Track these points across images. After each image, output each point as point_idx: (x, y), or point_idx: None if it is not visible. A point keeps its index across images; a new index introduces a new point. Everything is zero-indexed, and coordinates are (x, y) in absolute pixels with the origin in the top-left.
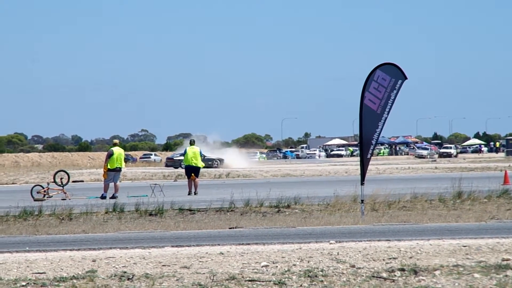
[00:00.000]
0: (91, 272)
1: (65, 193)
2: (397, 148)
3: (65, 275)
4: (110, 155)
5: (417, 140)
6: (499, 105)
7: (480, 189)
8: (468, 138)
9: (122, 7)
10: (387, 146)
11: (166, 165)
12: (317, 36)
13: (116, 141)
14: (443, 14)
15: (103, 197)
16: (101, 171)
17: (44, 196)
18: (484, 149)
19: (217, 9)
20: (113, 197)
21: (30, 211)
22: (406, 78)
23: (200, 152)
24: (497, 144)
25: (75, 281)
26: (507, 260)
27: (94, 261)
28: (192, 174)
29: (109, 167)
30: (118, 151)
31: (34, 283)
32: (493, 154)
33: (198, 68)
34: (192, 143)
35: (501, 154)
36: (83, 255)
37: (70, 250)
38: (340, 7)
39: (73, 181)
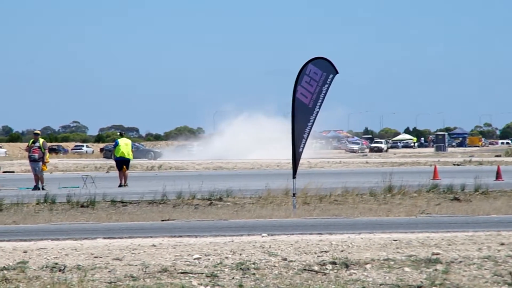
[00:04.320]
0: (22, 263)
1: None
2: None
3: None
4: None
5: (349, 134)
6: (429, 101)
7: (410, 184)
8: (398, 133)
9: None
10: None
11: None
12: (249, 28)
13: (38, 131)
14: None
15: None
16: None
17: None
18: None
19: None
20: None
21: None
22: (337, 72)
23: (132, 144)
24: (414, 139)
25: (5, 272)
26: (437, 254)
27: (25, 252)
28: (124, 166)
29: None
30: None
31: None
32: (423, 149)
33: (131, 60)
34: (122, 134)
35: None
36: (14, 246)
37: (1, 241)
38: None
39: (4, 172)
